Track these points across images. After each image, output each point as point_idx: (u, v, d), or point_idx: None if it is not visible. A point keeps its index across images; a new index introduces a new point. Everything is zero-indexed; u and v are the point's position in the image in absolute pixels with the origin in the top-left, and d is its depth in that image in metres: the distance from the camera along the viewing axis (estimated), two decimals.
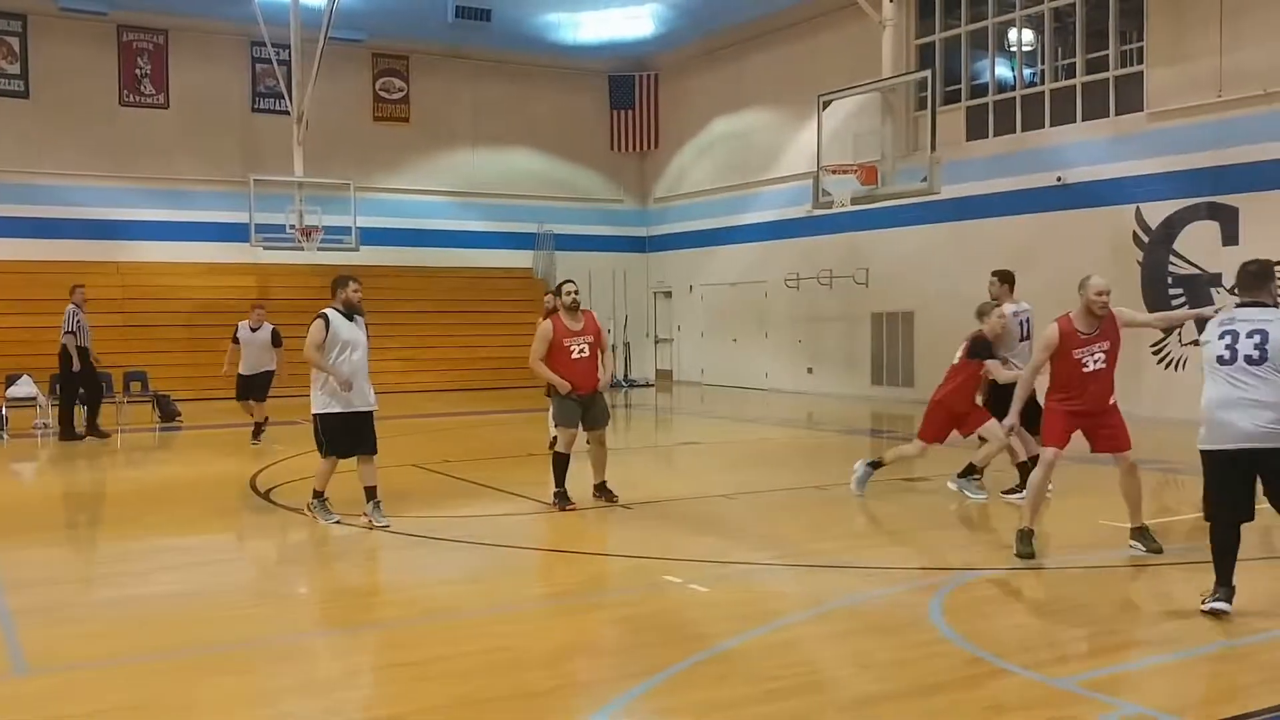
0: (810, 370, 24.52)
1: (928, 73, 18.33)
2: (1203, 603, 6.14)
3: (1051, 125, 19.56)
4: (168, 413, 18.63)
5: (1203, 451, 6.15)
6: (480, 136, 27.91)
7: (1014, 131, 20.24)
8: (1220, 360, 6.00)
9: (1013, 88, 20.51)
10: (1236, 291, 6.36)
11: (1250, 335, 5.94)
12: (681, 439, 17.20)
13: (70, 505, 10.99)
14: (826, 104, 17.74)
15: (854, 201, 17.42)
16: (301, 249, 23.09)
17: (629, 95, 29.25)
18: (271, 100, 24.94)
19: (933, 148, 16.67)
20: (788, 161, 24.47)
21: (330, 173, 23.74)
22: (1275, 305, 6.11)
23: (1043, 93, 19.85)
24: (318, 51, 22.33)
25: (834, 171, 17.30)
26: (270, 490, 11.23)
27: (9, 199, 23.01)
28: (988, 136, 20.71)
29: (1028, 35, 20.50)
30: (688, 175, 28.60)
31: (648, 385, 27.97)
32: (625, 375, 27.62)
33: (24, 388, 17.92)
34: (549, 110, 28.46)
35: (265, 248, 23.01)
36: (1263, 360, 5.89)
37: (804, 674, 5.42)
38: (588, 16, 25.51)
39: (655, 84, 29.14)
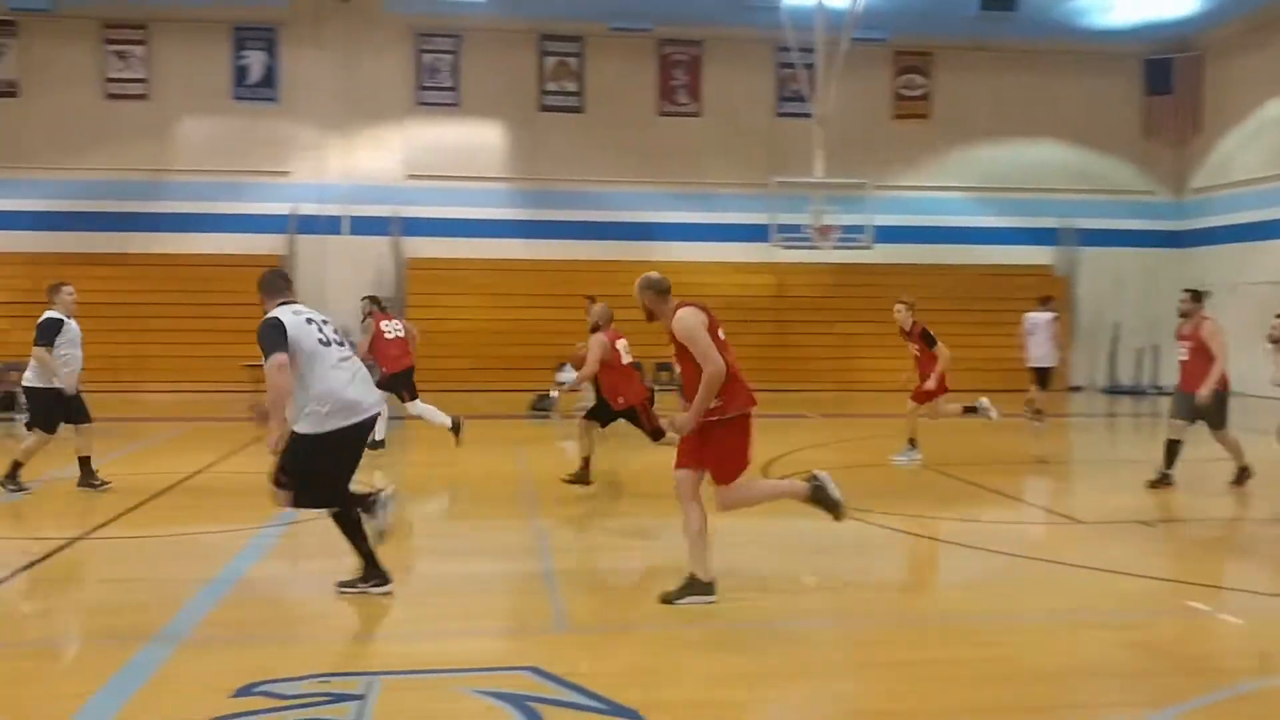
0: None
1: None
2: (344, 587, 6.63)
3: None
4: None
5: (327, 434, 6.49)
6: (1001, 129, 27.14)
7: None
8: (323, 343, 6.63)
9: None
10: (283, 296, 6.89)
11: (325, 323, 6.79)
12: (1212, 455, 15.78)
13: (601, 483, 11.88)
14: None
15: None
16: (817, 248, 23.67)
17: (1166, 79, 27.15)
18: (795, 104, 25.74)
19: None
20: None
21: (848, 172, 24.09)
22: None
23: None
24: (840, 54, 22.77)
25: None
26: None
27: (556, 204, 25.58)
28: None
29: None
30: (1233, 163, 26.08)
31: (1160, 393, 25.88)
32: (1152, 383, 25.75)
33: (566, 374, 19.95)
34: (1075, 99, 27.10)
35: (784, 247, 23.83)
36: (343, 342, 6.83)
37: None
38: None
39: (1197, 66, 26.85)
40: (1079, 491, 12.66)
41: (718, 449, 6.54)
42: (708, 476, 6.63)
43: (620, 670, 5.42)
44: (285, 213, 24.77)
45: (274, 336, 6.55)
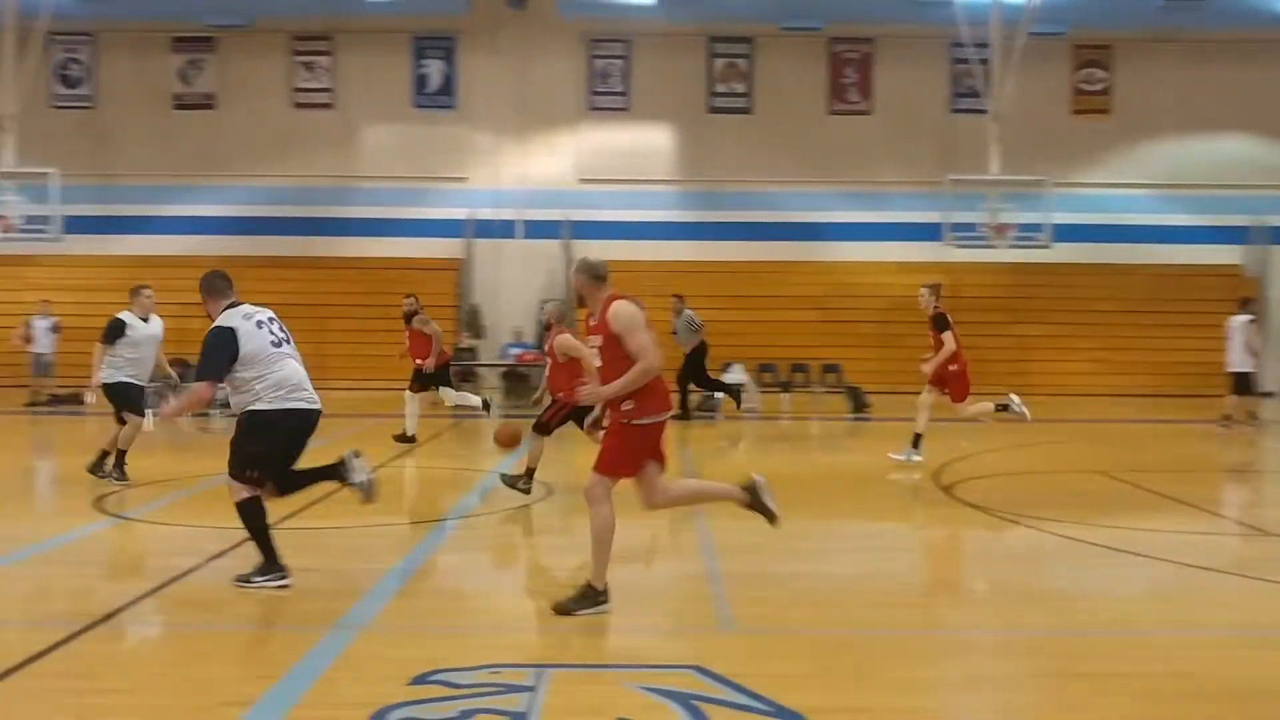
0: None
1: None
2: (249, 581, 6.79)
3: None
4: (859, 404, 19.73)
5: (287, 411, 6.75)
6: (1187, 124, 26.02)
7: None
8: (275, 344, 6.86)
9: None
10: (227, 297, 7.06)
11: (272, 321, 6.97)
12: None
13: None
14: None
15: None
16: (993, 247, 23.13)
17: None
18: (969, 100, 25.20)
19: None
20: None
21: (1025, 169, 23.47)
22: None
23: None
24: (1017, 48, 22.21)
25: None
26: (952, 485, 11.48)
27: (725, 206, 25.65)
28: None
29: None
30: None
31: None
32: None
33: (735, 374, 20.12)
34: (1268, 90, 25.75)
35: (958, 246, 23.36)
36: (290, 339, 7.02)
37: None
38: None
39: None
40: (1270, 502, 12.09)
41: (620, 447, 6.38)
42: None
43: (785, 673, 5.42)
44: (463, 217, 25.50)
45: (219, 355, 6.69)
